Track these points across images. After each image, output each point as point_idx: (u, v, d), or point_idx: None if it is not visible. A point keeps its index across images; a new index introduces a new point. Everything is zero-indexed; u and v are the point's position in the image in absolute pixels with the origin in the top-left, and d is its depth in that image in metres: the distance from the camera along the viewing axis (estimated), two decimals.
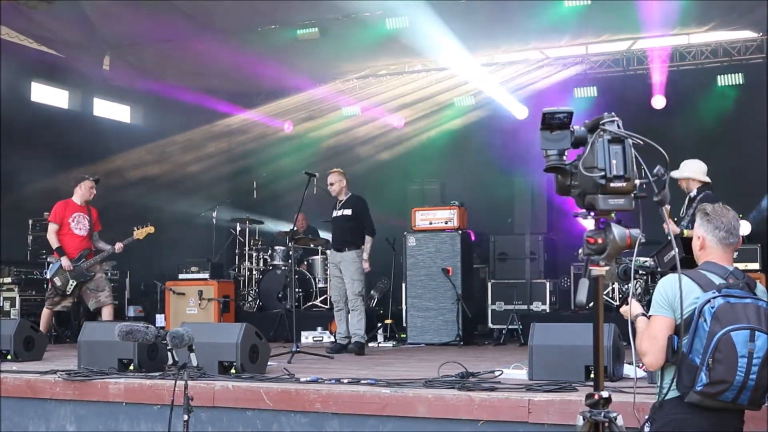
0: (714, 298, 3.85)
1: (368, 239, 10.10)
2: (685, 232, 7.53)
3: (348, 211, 10.11)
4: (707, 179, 8.17)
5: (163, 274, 13.38)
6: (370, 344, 11.27)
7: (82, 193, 10.39)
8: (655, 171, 2.95)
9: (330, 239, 13.10)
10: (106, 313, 10.26)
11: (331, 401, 5.90)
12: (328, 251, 12.96)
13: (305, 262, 13.40)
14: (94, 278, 10.30)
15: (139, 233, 10.45)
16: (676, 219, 8.07)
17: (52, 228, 10.28)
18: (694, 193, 7.96)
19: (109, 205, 11.63)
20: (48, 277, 10.41)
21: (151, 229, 10.49)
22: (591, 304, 3.09)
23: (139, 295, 13.60)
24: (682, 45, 13.91)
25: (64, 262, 10.15)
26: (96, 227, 10.51)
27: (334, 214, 10.23)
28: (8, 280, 11.80)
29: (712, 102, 13.45)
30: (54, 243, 10.25)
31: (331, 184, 10.14)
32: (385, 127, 15.38)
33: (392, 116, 15.32)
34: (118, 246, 10.34)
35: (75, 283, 10.19)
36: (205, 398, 6.18)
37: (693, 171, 8.02)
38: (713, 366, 3.78)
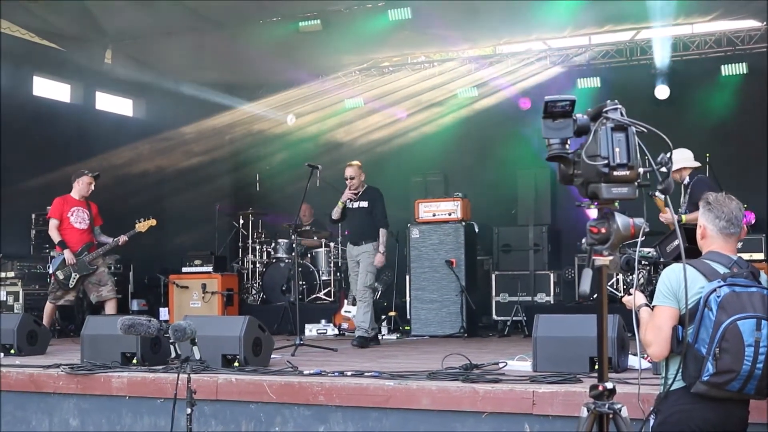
0: (719, 287, 3.82)
1: (382, 232, 10.04)
2: (683, 218, 7.58)
3: (365, 203, 10.04)
4: (697, 164, 8.27)
5: (166, 267, 13.38)
6: None
7: (80, 188, 10.39)
8: (659, 159, 2.92)
9: (333, 232, 13.17)
10: (110, 307, 10.28)
11: (335, 394, 5.89)
12: (332, 243, 12.98)
13: (309, 255, 13.38)
14: (97, 272, 10.30)
15: (141, 226, 10.46)
16: (678, 209, 8.08)
17: (52, 224, 10.30)
18: (687, 180, 8.08)
19: (111, 199, 11.62)
20: (51, 271, 10.40)
21: (153, 222, 10.50)
22: (595, 295, 3.06)
23: (142, 289, 13.59)
24: (686, 35, 13.85)
25: (67, 255, 10.14)
26: (96, 222, 10.52)
27: (348, 205, 10.12)
28: (11, 274, 11.80)
29: (715, 92, 13.40)
30: (56, 237, 10.26)
31: (352, 178, 10.02)
32: (388, 119, 15.35)
33: (395, 108, 15.29)
34: (123, 239, 10.34)
35: (78, 276, 10.19)
36: (208, 391, 6.16)
37: (682, 160, 8.11)
38: (720, 355, 3.75)
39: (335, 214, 10.14)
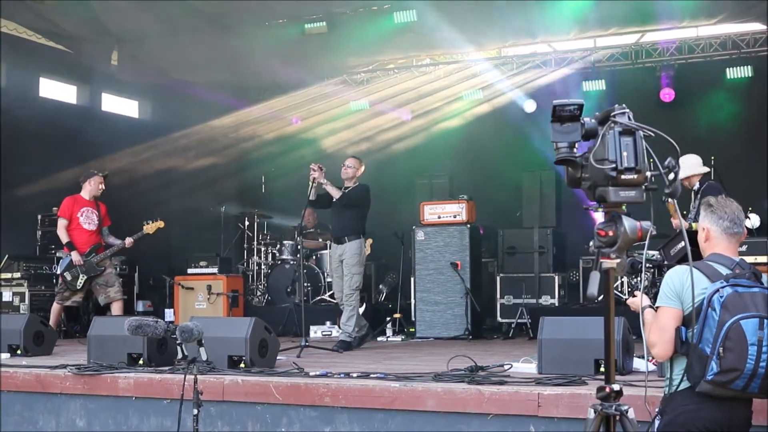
0: (722, 287, 3.87)
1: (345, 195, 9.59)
2: (693, 226, 7.57)
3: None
4: (706, 169, 8.28)
5: (171, 268, 13.40)
6: (379, 338, 11.28)
7: (90, 188, 10.43)
8: (666, 163, 2.93)
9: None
10: (116, 308, 10.33)
11: (341, 395, 5.91)
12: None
13: (314, 257, 13.40)
14: (104, 273, 10.34)
15: (149, 228, 10.49)
16: (685, 212, 8.09)
17: (61, 223, 10.33)
18: (696, 186, 8.10)
19: (117, 201, 11.64)
20: (59, 272, 10.44)
21: (160, 224, 10.54)
22: (601, 297, 3.08)
23: (148, 290, 13.60)
24: (691, 38, 13.87)
25: (75, 256, 10.18)
26: (105, 222, 10.55)
27: (335, 200, 9.77)
28: (18, 275, 11.81)
29: (720, 95, 13.41)
30: (64, 238, 10.29)
31: (349, 167, 9.72)
32: (393, 121, 15.38)
33: (400, 110, 15.31)
34: (129, 241, 10.39)
35: (85, 277, 10.23)
36: (215, 392, 6.19)
37: (691, 167, 8.12)
38: (724, 354, 3.80)
39: (310, 195, 9.59)
